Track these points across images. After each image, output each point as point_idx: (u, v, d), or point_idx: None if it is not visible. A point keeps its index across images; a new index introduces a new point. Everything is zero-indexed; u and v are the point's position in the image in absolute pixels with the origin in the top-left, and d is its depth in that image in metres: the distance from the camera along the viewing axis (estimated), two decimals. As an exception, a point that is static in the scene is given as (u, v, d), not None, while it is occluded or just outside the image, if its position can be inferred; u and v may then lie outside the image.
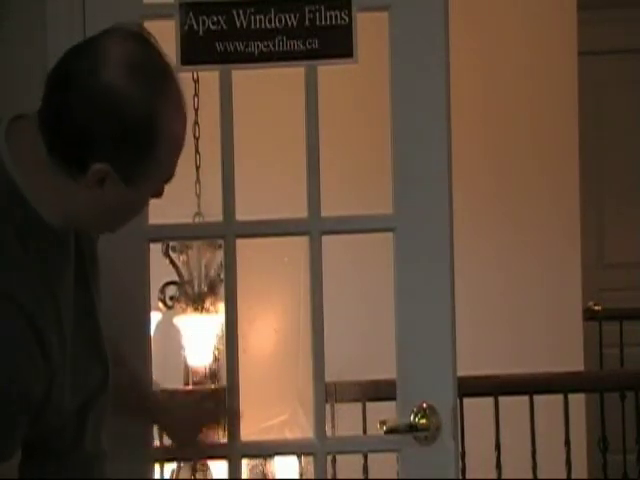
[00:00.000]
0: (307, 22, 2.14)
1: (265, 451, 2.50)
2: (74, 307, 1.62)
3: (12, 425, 1.45)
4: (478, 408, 3.72)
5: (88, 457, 1.67)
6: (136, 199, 1.59)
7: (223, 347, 2.13)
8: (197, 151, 4.45)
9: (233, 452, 2.15)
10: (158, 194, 1.62)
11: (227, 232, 2.22)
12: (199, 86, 4.31)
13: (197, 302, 4.62)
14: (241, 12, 2.14)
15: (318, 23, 2.14)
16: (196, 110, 4.42)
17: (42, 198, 1.53)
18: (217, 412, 2.09)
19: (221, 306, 4.09)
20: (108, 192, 1.52)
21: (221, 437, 2.13)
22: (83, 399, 1.62)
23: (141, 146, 1.51)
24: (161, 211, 2.36)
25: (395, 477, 2.23)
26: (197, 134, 4.43)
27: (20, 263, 1.50)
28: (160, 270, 4.32)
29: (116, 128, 1.49)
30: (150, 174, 1.54)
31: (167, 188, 1.64)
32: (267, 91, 4.24)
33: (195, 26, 2.15)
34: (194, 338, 4.59)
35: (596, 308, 5.21)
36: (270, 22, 2.14)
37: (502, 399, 3.87)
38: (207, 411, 2.08)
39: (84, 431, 1.64)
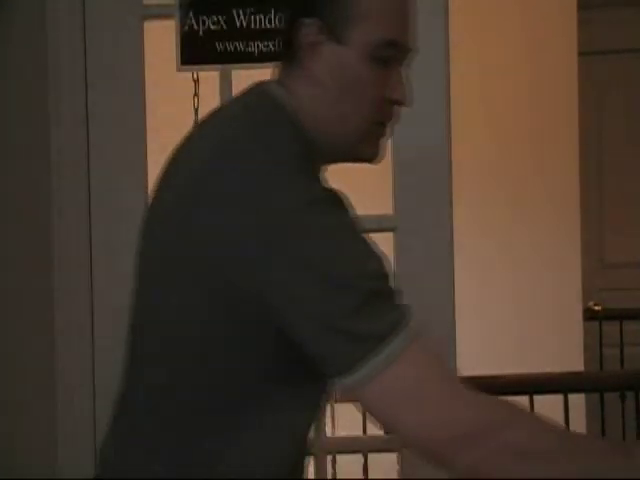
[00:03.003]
0: (307, 22, 2.14)
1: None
2: None
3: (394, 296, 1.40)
4: (478, 408, 3.71)
5: None
6: (355, 62, 1.47)
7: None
8: (197, 151, 4.45)
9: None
10: (384, 59, 1.48)
11: (227, 232, 2.22)
12: (199, 86, 4.32)
13: (197, 302, 4.62)
14: (241, 12, 2.14)
15: (318, 23, 2.14)
16: (196, 110, 4.43)
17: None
18: None
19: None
20: (325, 60, 1.47)
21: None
22: None
23: None
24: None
25: (395, 477, 2.24)
26: (197, 134, 4.44)
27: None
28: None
29: None
30: (357, 24, 1.46)
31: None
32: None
33: (195, 26, 2.15)
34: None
35: (596, 308, 5.21)
36: (270, 22, 2.14)
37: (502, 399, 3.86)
38: None
39: None
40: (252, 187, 1.34)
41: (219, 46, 2.15)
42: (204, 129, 1.52)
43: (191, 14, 2.15)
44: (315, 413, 1.48)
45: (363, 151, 1.57)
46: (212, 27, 2.15)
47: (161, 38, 2.25)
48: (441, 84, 2.16)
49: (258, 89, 1.52)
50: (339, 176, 1.66)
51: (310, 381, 1.39)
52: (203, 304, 1.36)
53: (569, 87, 4.79)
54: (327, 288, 1.30)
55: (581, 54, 4.81)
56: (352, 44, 1.47)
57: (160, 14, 2.24)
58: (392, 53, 1.49)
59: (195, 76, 4.16)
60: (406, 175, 2.15)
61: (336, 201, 1.38)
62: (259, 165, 1.37)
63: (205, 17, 2.15)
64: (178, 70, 2.20)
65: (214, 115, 1.56)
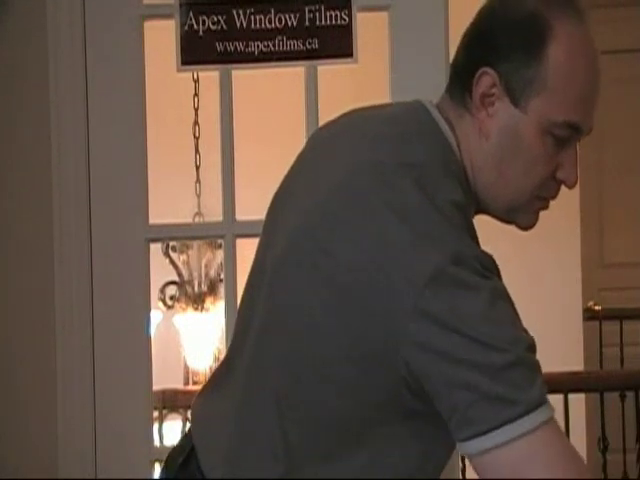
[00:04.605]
0: (307, 22, 2.14)
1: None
2: None
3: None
4: (478, 408, 3.71)
5: None
6: (529, 132, 1.40)
7: (223, 347, 2.13)
8: (197, 151, 4.45)
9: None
10: (559, 138, 1.42)
11: (227, 232, 2.23)
12: (199, 86, 4.32)
13: (197, 302, 4.63)
14: (241, 12, 2.15)
15: (318, 23, 2.14)
16: (196, 110, 4.43)
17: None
18: None
19: (221, 306, 4.10)
20: (497, 117, 1.41)
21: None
22: None
23: (529, 51, 1.39)
24: (161, 211, 2.36)
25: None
26: (197, 134, 4.44)
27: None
28: (160, 270, 4.32)
29: (505, 29, 1.44)
30: (540, 93, 1.39)
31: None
32: (267, 91, 4.24)
33: (195, 26, 2.15)
34: (194, 338, 4.60)
35: (596, 308, 5.21)
36: (270, 22, 2.14)
37: (502, 399, 3.86)
38: None
39: None
40: (401, 234, 1.28)
41: (219, 46, 2.15)
42: (351, 142, 1.45)
43: (191, 14, 2.15)
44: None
45: (517, 218, 1.50)
46: (212, 27, 2.15)
47: (161, 38, 2.25)
48: (441, 84, 2.16)
49: (424, 115, 1.48)
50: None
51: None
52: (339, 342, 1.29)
53: (569, 87, 4.79)
54: (476, 347, 1.24)
55: (581, 54, 4.80)
56: (529, 112, 1.39)
57: (160, 14, 2.24)
58: (569, 133, 1.42)
59: (195, 76, 4.18)
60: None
61: (490, 265, 1.34)
62: (412, 208, 1.30)
63: (205, 17, 2.15)
64: (178, 70, 2.20)
65: (365, 124, 1.49)
